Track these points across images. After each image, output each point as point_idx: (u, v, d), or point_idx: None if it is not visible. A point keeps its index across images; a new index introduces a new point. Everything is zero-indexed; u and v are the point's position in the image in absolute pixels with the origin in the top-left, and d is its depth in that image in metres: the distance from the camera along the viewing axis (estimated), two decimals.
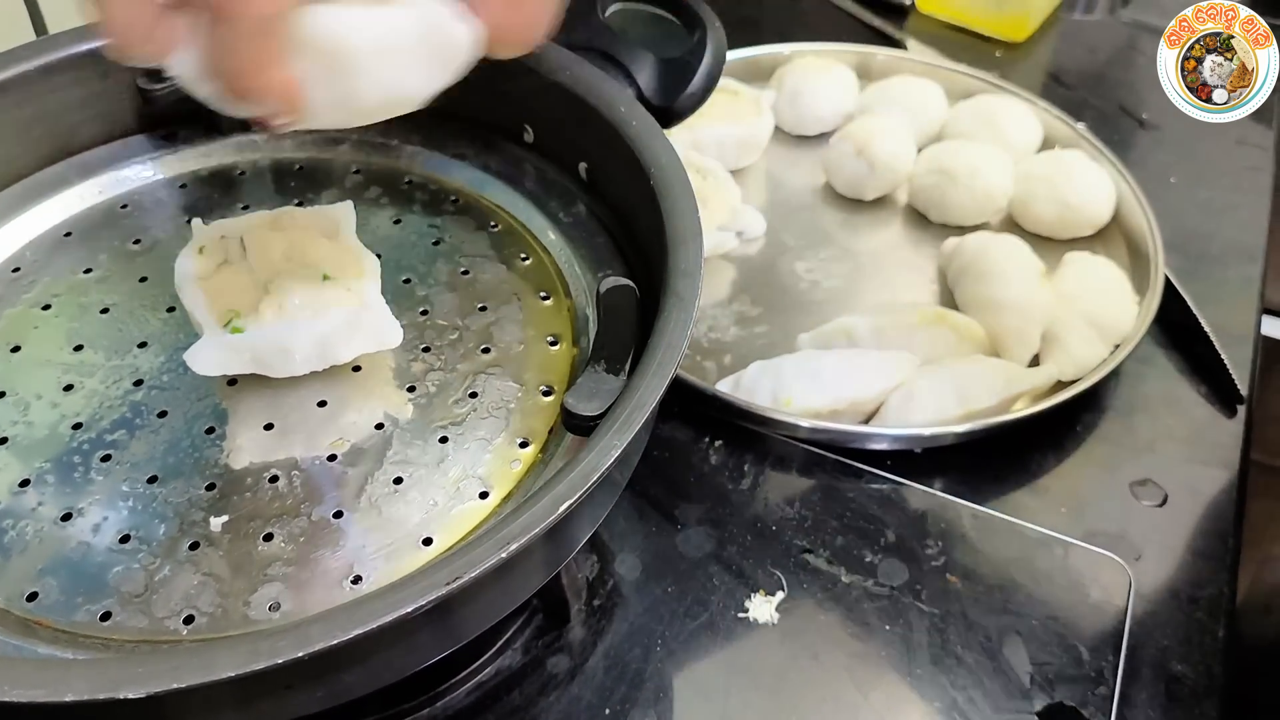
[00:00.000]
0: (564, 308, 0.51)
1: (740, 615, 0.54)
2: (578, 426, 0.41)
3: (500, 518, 0.42)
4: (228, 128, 0.57)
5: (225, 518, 0.42)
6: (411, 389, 0.47)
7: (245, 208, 0.55)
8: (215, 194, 0.56)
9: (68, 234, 0.53)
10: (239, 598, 0.39)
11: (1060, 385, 0.64)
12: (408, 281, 0.51)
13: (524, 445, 0.45)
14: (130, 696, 0.30)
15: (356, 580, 0.40)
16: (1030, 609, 0.55)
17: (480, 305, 0.50)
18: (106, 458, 0.43)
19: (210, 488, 0.43)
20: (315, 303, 0.45)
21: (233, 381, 0.46)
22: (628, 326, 0.44)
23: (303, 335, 0.44)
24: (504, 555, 0.34)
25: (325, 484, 0.43)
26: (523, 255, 0.53)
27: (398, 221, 0.55)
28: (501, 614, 0.42)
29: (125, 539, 0.41)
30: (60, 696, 0.30)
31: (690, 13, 0.56)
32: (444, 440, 0.45)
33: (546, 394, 0.47)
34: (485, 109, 0.58)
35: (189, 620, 0.39)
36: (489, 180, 0.57)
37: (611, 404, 0.40)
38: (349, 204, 0.49)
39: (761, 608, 0.55)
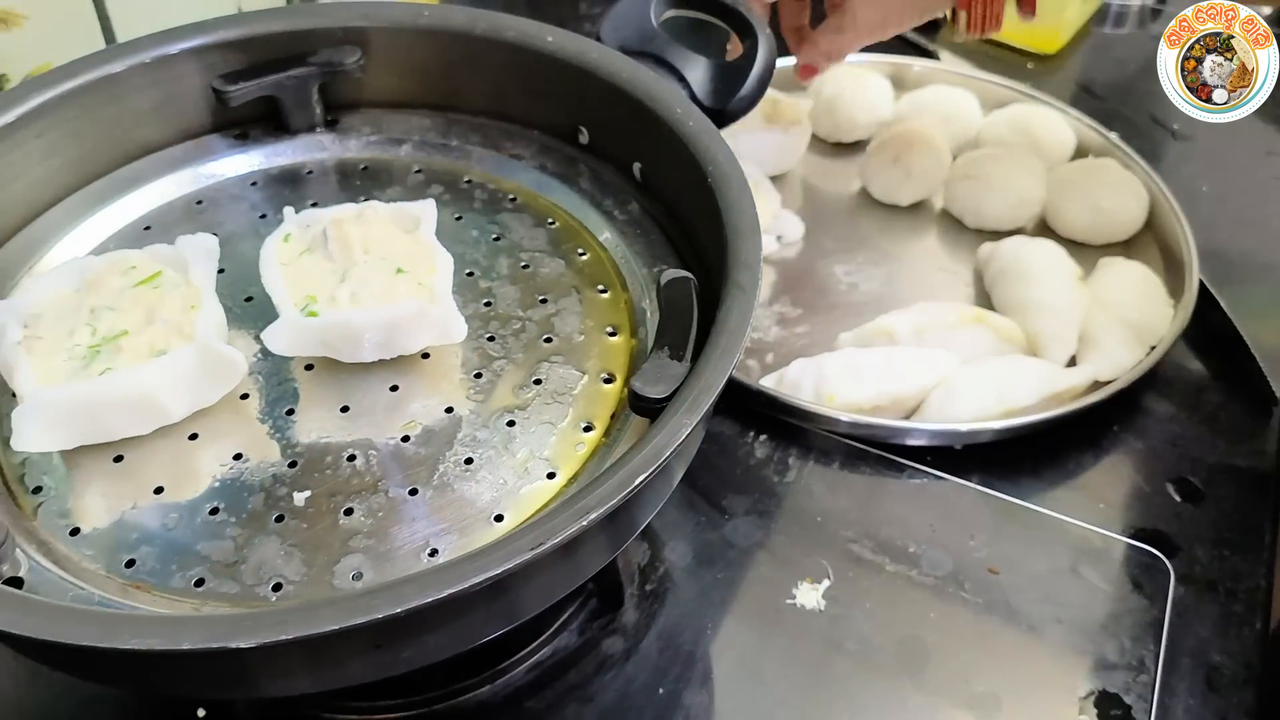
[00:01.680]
0: (621, 300, 0.53)
1: (788, 601, 0.56)
2: (644, 408, 0.43)
3: (568, 497, 0.44)
4: (296, 129, 0.60)
5: (308, 493, 0.44)
6: (478, 375, 0.49)
7: (314, 204, 0.57)
8: (285, 191, 0.58)
9: (147, 227, 0.55)
10: (324, 567, 0.41)
11: (1097, 385, 0.66)
12: (471, 274, 0.54)
13: (588, 429, 0.47)
14: (242, 646, 0.32)
15: (433, 553, 0.42)
16: (1071, 599, 0.56)
17: (541, 297, 0.53)
18: (194, 436, 0.46)
19: (292, 465, 0.45)
20: (388, 294, 0.47)
21: (309, 366, 0.49)
22: (688, 316, 0.46)
23: (373, 324, 0.46)
24: (584, 524, 0.36)
25: (400, 463, 0.45)
26: (580, 251, 0.55)
27: (459, 218, 0.57)
28: (567, 589, 0.44)
29: (214, 511, 0.43)
30: (177, 645, 0.32)
31: (742, 20, 0.58)
32: (511, 424, 0.47)
33: (608, 381, 0.49)
34: (541, 112, 0.60)
35: (277, 588, 0.41)
36: (545, 180, 0.59)
37: (677, 387, 0.42)
38: (431, 202, 0.51)
39: (809, 595, 0.56)
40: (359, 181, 0.59)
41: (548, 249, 0.55)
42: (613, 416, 0.47)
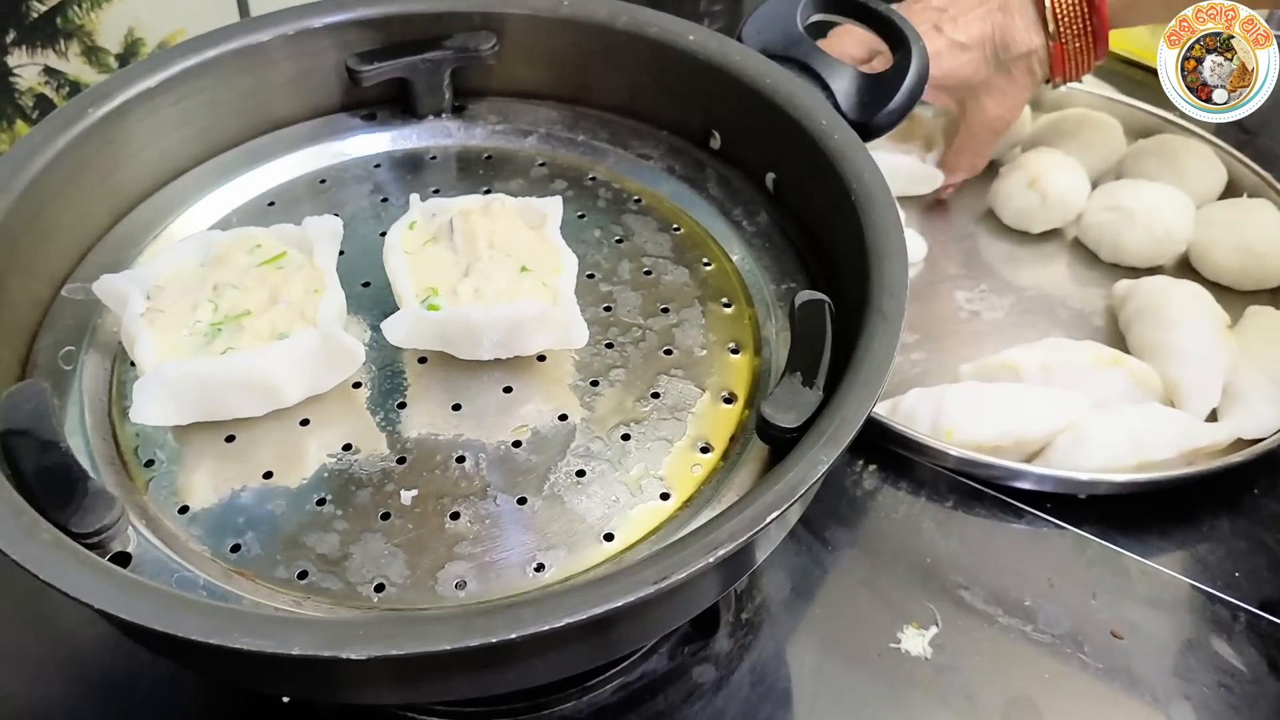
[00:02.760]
0: (745, 316, 0.51)
1: (892, 645, 0.53)
2: (774, 437, 0.40)
3: (681, 521, 0.42)
4: (423, 113, 0.59)
5: (415, 492, 0.42)
6: (594, 383, 0.47)
7: (436, 190, 0.56)
8: (407, 175, 0.57)
9: (271, 203, 0.55)
10: (427, 572, 0.40)
11: (1239, 443, 0.61)
12: (592, 277, 0.52)
13: (705, 450, 0.45)
14: (352, 657, 0.30)
15: (539, 568, 0.40)
16: (1200, 674, 0.52)
17: (663, 307, 0.51)
18: (305, 422, 0.45)
19: (401, 461, 0.44)
20: (510, 292, 0.46)
21: (423, 360, 0.47)
22: (821, 342, 0.44)
23: (495, 322, 0.45)
24: (711, 560, 0.33)
25: (509, 469, 0.44)
26: (705, 260, 0.53)
27: (582, 216, 0.55)
28: (671, 626, 0.42)
29: (321, 502, 0.42)
30: (287, 649, 0.30)
31: (894, 29, 0.55)
32: (626, 438, 0.45)
33: (728, 401, 0.47)
34: (674, 112, 0.58)
35: (380, 588, 0.39)
36: (672, 183, 0.57)
37: (810, 417, 0.40)
38: (558, 199, 0.49)
39: (914, 640, 0.53)
40: (481, 171, 0.58)
41: (671, 256, 0.53)
42: (732, 439, 0.45)
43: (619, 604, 0.32)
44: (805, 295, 0.46)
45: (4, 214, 0.44)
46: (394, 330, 0.44)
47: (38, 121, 0.48)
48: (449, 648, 0.31)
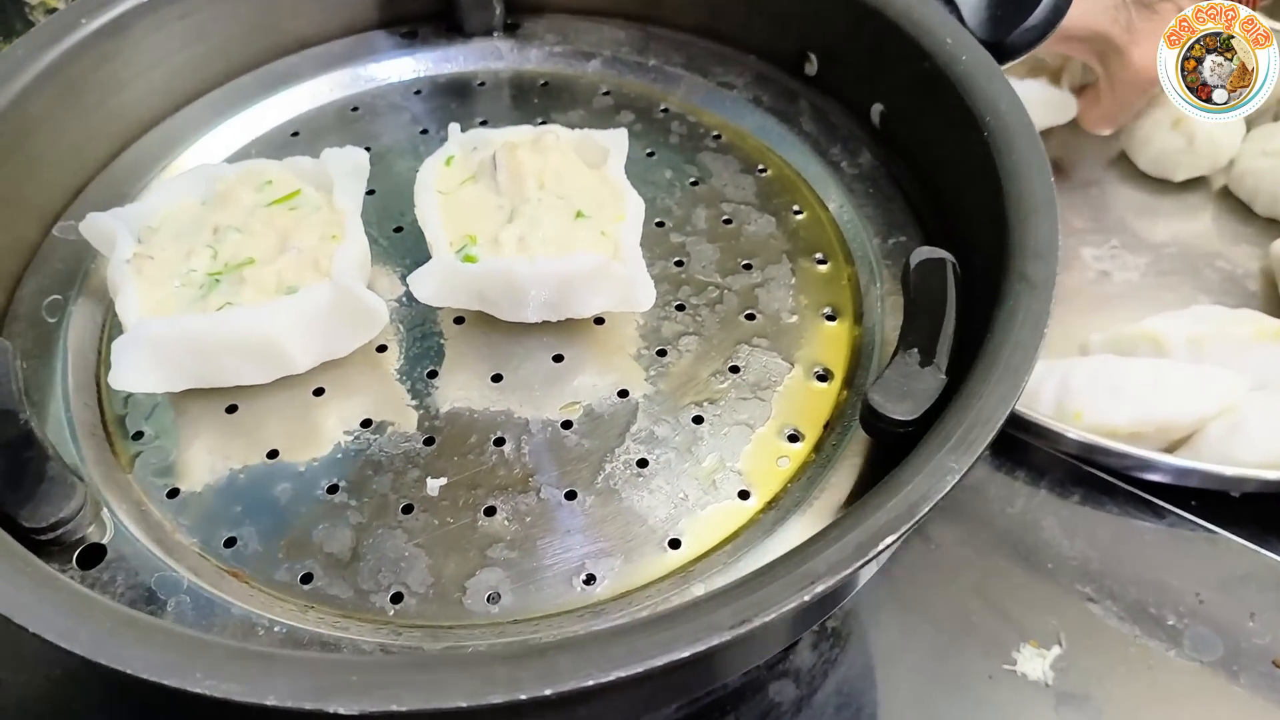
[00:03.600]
0: (844, 275, 0.42)
1: (1006, 668, 0.45)
2: (882, 430, 0.32)
3: (763, 526, 0.34)
4: (471, 31, 0.51)
5: (444, 480, 0.36)
6: (662, 353, 0.39)
7: (483, 122, 0.48)
8: (451, 103, 0.50)
9: (295, 133, 0.48)
10: (455, 580, 0.33)
11: None
12: (661, 225, 0.44)
13: (794, 440, 0.37)
14: (340, 712, 0.24)
15: (589, 580, 0.33)
16: None
17: (744, 262, 0.42)
18: (320, 391, 0.38)
19: (429, 442, 0.37)
20: (563, 242, 0.38)
21: (460, 320, 0.40)
22: (944, 311, 0.35)
23: (542, 278, 0.37)
24: (806, 599, 0.26)
25: (557, 455, 0.36)
26: (796, 208, 0.45)
27: (651, 154, 0.47)
28: (751, 665, 0.35)
29: (334, 489, 0.35)
30: (260, 699, 0.24)
31: None
32: (698, 420, 0.37)
33: (822, 379, 0.39)
34: (763, 32, 0.50)
35: (397, 599, 0.33)
36: (758, 116, 0.49)
37: (930, 407, 0.32)
38: (623, 132, 0.42)
39: (1032, 662, 0.45)
40: (536, 99, 0.50)
41: (756, 202, 0.45)
42: (826, 426, 0.37)
43: (684, 654, 0.25)
44: (924, 253, 0.37)
45: None
46: (422, 285, 0.37)
47: None
48: (465, 705, 0.24)
